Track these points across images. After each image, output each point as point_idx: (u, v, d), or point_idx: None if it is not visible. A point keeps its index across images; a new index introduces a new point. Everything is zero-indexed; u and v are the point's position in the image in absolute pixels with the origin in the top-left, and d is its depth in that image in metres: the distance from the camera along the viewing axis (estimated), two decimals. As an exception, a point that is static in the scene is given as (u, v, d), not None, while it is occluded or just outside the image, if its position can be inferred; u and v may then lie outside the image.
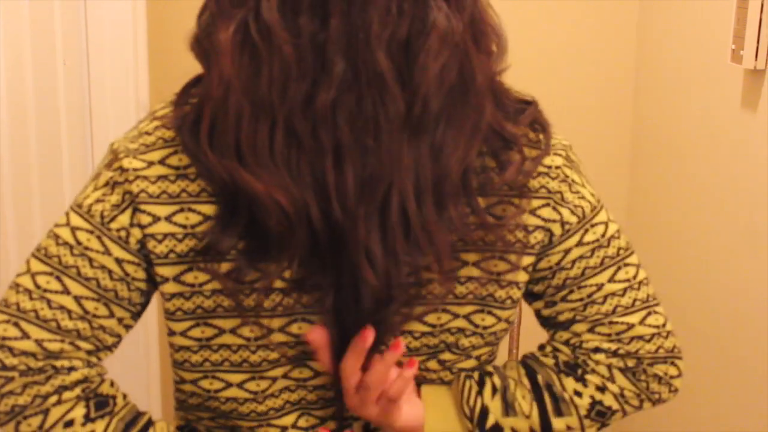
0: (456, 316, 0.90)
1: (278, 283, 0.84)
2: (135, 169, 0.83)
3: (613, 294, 0.91)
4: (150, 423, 0.88)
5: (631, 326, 0.91)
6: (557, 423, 0.92)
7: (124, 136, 0.87)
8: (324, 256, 0.82)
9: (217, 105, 0.78)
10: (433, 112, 0.79)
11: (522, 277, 0.90)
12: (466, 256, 0.87)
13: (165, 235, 0.83)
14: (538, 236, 0.89)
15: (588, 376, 0.92)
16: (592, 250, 0.91)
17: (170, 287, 0.85)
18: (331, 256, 0.81)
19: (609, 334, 0.91)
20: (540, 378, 0.93)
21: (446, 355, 0.93)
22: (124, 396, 0.88)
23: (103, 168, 0.87)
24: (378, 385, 0.88)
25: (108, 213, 0.84)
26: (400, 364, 0.91)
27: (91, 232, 0.84)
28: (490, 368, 0.95)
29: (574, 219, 0.90)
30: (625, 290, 0.92)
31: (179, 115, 0.83)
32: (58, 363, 0.82)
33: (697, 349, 1.90)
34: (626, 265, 0.92)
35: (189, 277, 0.84)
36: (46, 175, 1.52)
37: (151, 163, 0.84)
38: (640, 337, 0.91)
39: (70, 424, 0.83)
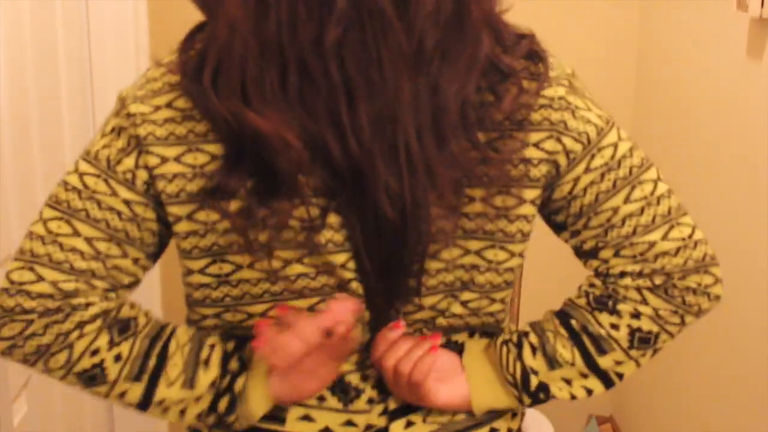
0: (467, 251, 0.91)
1: (292, 221, 0.85)
2: (142, 114, 0.85)
3: (631, 215, 0.91)
4: (173, 332, 0.90)
5: (653, 244, 0.90)
6: (603, 361, 0.93)
7: (131, 85, 0.89)
8: (341, 193, 0.84)
9: (223, 48, 0.80)
10: (429, 48, 0.81)
11: (529, 210, 0.91)
12: (472, 192, 0.88)
13: (175, 175, 0.85)
14: (542, 169, 0.89)
15: (620, 306, 0.92)
16: (602, 175, 0.91)
17: (184, 226, 0.87)
18: (350, 192, 0.84)
19: (633, 256, 0.91)
20: (575, 323, 0.94)
21: (466, 295, 0.94)
22: (146, 314, 0.90)
23: (111, 117, 0.89)
24: (405, 371, 0.92)
25: (114, 157, 0.86)
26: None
27: (98, 176, 0.86)
28: (527, 327, 0.97)
29: (578, 147, 0.90)
30: (642, 209, 0.91)
31: (184, 60, 0.85)
32: (75, 301, 0.84)
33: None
34: (641, 182, 0.91)
35: (201, 216, 0.86)
36: (50, 176, 1.51)
37: (158, 108, 0.85)
38: (665, 253, 0.90)
39: (96, 352, 0.85)
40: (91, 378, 0.87)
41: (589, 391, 0.96)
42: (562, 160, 0.90)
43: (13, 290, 0.84)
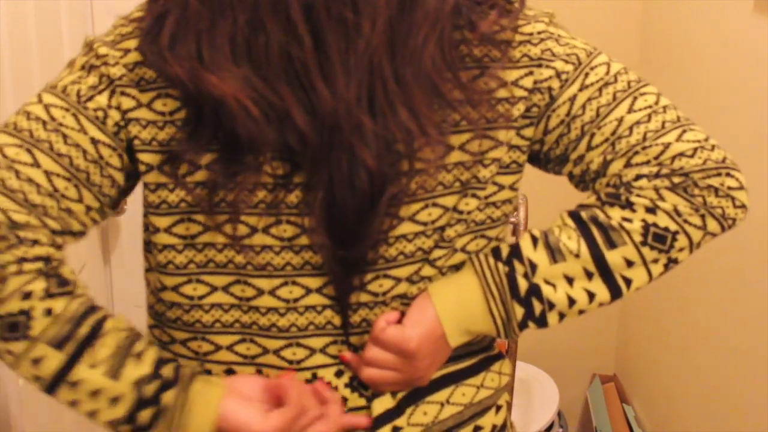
0: (446, 209, 0.86)
1: (265, 178, 0.82)
2: (113, 56, 0.84)
3: (638, 122, 0.84)
4: (111, 315, 0.81)
5: (667, 145, 0.82)
6: (612, 256, 0.83)
7: (100, 35, 0.87)
8: (309, 150, 0.80)
9: (178, 16, 0.80)
10: None
11: (502, 152, 0.87)
12: (450, 140, 0.84)
13: (148, 122, 0.83)
14: (521, 108, 0.86)
15: (634, 199, 0.82)
16: (600, 89, 0.86)
17: (154, 177, 0.84)
18: (319, 147, 0.80)
19: (648, 161, 0.82)
20: (584, 214, 0.84)
21: (436, 252, 0.87)
22: (84, 287, 0.81)
23: (78, 57, 0.86)
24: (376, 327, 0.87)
25: (85, 93, 0.83)
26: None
27: (67, 110, 0.82)
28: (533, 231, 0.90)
29: (569, 67, 0.87)
30: (649, 116, 0.84)
31: (147, 17, 0.83)
32: (23, 234, 0.76)
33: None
34: (642, 94, 0.86)
35: (171, 167, 0.83)
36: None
37: (127, 51, 0.84)
38: (681, 154, 0.82)
39: (27, 296, 0.75)
40: (13, 326, 0.75)
41: (591, 296, 0.84)
42: (555, 84, 0.87)
43: None
